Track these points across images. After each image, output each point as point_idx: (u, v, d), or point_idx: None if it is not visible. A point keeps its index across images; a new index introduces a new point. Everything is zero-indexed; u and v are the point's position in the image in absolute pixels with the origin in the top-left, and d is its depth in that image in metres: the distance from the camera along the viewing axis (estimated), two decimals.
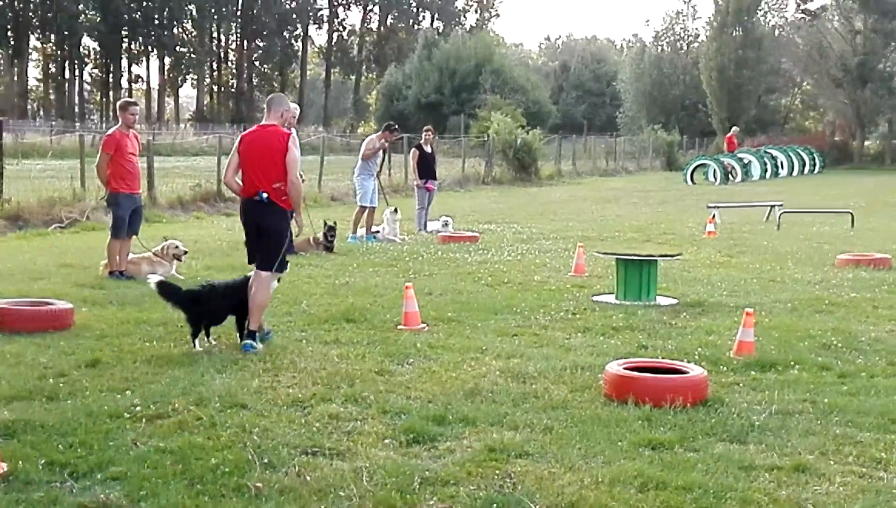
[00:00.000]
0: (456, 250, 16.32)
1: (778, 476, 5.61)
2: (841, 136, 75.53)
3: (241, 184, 8.78)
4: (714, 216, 21.51)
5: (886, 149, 71.79)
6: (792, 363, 8.21)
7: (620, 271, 11.52)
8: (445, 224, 19.63)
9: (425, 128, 20.88)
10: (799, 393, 7.34)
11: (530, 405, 6.96)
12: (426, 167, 20.06)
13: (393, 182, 32.57)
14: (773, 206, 23.52)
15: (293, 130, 9.74)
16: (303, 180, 14.92)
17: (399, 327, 9.62)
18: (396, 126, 19.32)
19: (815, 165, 53.93)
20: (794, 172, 50.37)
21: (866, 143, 75.39)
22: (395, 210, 18.52)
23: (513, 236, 19.12)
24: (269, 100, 9.06)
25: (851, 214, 22.02)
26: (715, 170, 44.16)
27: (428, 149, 20.28)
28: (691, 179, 43.53)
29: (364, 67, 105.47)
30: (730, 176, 44.25)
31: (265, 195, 8.63)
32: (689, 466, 5.71)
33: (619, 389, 7.05)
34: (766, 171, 47.35)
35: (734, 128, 50.40)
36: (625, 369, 7.23)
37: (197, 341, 8.53)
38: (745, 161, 46.79)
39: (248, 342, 8.59)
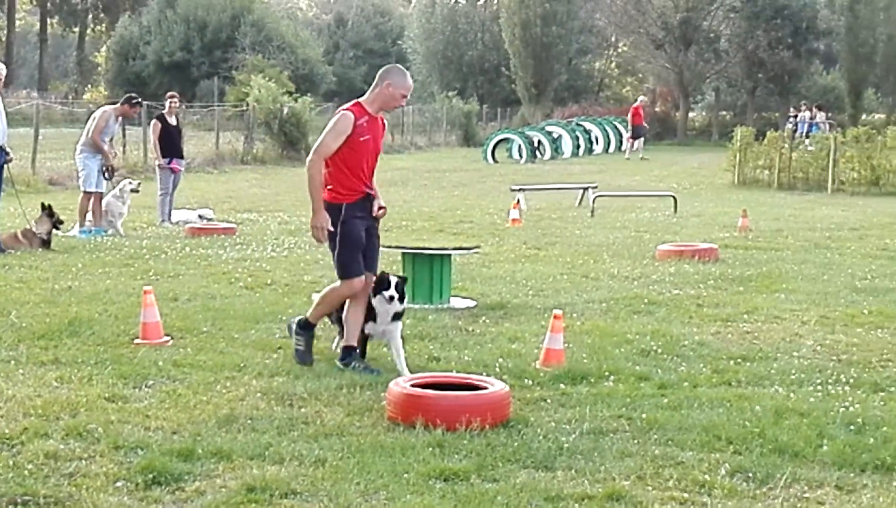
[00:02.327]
0: (208, 244, 16.15)
1: (589, 506, 5.83)
2: (663, 106, 78.78)
3: None
4: (518, 201, 22.06)
5: (713, 122, 75.46)
6: (606, 373, 8.54)
7: (408, 267, 11.67)
8: (207, 219, 19.40)
9: (168, 94, 20.51)
10: (614, 409, 7.64)
11: (299, 433, 6.97)
12: (170, 143, 19.72)
13: (129, 161, 31.85)
14: (586, 188, 24.36)
15: None
16: (9, 159, 14.36)
17: (136, 341, 9.45)
18: (139, 99, 18.96)
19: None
20: (611, 148, 52.20)
21: (691, 114, 78.98)
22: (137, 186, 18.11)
23: (278, 227, 19.07)
24: None
25: (674, 197, 23.02)
26: (520, 146, 45.30)
27: (172, 120, 19.94)
28: (492, 156, 44.48)
29: (90, 17, 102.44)
30: (537, 153, 45.48)
31: None
32: (488, 499, 5.85)
33: (405, 410, 7.14)
34: (578, 147, 48.93)
35: (641, 98, 51.01)
36: (412, 386, 7.33)
37: None
38: (555, 135, 48.20)
39: None
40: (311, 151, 8.73)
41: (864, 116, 68.89)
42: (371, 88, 8.80)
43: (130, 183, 18.37)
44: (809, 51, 72.44)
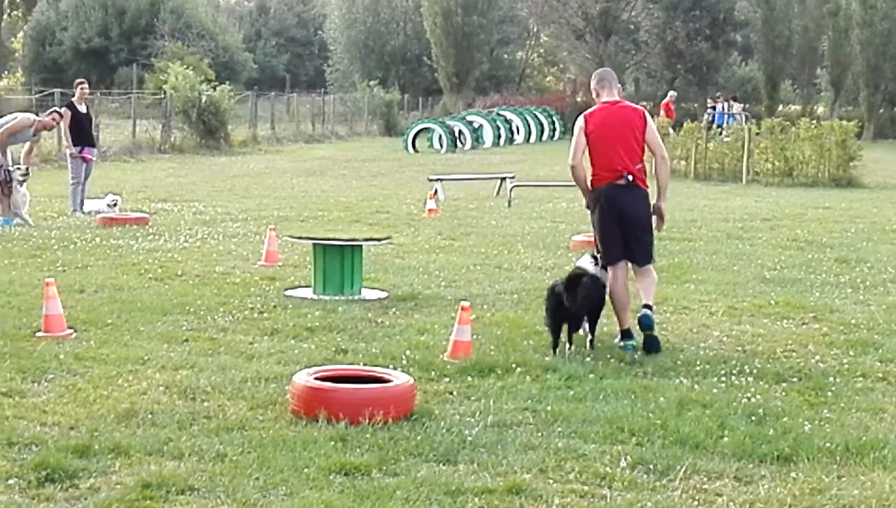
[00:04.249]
0: (119, 235, 15.93)
1: (489, 500, 5.81)
2: (584, 96, 79.18)
3: None
4: (436, 191, 22.03)
5: None
6: (514, 365, 8.53)
7: (319, 259, 11.59)
8: (114, 204, 19.12)
9: (77, 82, 20.20)
10: (519, 401, 7.63)
11: (200, 428, 6.88)
12: (81, 132, 19.42)
13: (43, 150, 31.33)
14: (503, 179, 24.37)
15: None
16: None
17: (38, 334, 9.27)
18: (60, 111, 18.91)
19: (554, 129, 56.31)
20: (532, 138, 52.37)
21: None
22: (25, 171, 17.65)
23: (193, 217, 18.86)
24: None
25: None
26: (440, 135, 45.27)
27: (83, 108, 19.64)
28: (413, 146, 44.41)
29: (6, 2, 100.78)
30: (458, 142, 45.49)
31: None
32: (387, 494, 5.81)
33: (308, 404, 7.08)
34: (499, 137, 49.01)
35: (671, 93, 49.70)
36: (315, 379, 7.26)
37: None
38: (476, 125, 48.24)
39: None
40: None
41: (780, 108, 69.76)
42: None
43: (19, 169, 17.74)
44: (727, 42, 73.31)
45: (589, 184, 9.61)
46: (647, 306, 9.33)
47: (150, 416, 7.09)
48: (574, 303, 8.89)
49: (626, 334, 9.41)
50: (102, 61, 70.98)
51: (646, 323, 9.24)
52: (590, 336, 9.27)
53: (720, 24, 71.35)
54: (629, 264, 9.64)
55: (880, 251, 15.72)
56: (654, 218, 9.70)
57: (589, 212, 9.83)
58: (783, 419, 7.22)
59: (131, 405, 7.29)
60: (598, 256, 9.51)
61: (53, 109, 18.96)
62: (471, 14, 69.10)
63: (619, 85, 9.86)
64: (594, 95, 9.78)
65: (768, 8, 67.82)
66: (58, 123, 18.82)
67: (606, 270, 9.44)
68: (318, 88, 72.13)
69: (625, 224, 9.46)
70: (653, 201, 9.70)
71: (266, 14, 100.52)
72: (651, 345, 9.18)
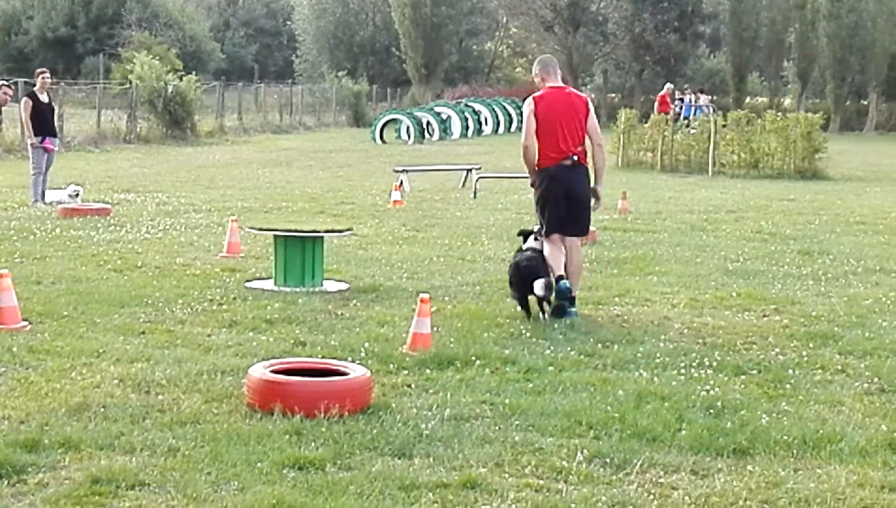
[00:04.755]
0: (81, 226, 15.77)
1: (443, 494, 5.74)
2: None
3: None
4: (402, 183, 21.95)
5: (602, 104, 75.91)
6: (473, 357, 8.47)
7: (279, 250, 11.51)
8: (75, 194, 18.94)
9: (39, 71, 19.99)
10: (478, 394, 7.57)
11: (153, 422, 6.80)
12: (43, 121, 19.21)
13: (6, 140, 31.12)
14: (469, 170, 24.31)
15: None
16: None
17: None
18: (9, 85, 18.48)
19: (523, 121, 56.23)
20: (500, 129, 52.30)
21: None
22: None
23: (156, 207, 18.71)
24: None
25: None
26: (408, 126, 45.15)
27: (44, 98, 19.43)
28: (381, 137, 44.29)
29: None
30: (426, 133, 45.39)
31: None
32: (340, 489, 5.74)
33: (263, 397, 7.00)
34: (467, 128, 48.92)
35: (667, 85, 49.42)
36: (271, 372, 7.18)
37: None
38: (444, 116, 48.14)
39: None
40: None
41: (748, 100, 69.97)
42: None
43: None
44: (695, 34, 73.47)
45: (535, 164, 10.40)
46: (561, 277, 10.11)
47: (102, 410, 6.99)
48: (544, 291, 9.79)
49: (559, 279, 10.08)
50: (69, 51, 70.47)
51: (565, 293, 10.04)
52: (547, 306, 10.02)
53: (688, 16, 71.45)
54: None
55: (843, 243, 15.75)
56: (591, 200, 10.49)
57: (533, 189, 10.59)
58: (741, 412, 7.19)
59: (84, 399, 7.19)
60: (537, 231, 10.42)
61: (2, 82, 18.49)
62: (439, 5, 69.03)
63: (562, 71, 10.34)
64: (538, 81, 10.57)
65: (736, 0, 67.99)
66: (9, 98, 18.40)
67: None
68: (286, 79, 71.84)
69: (569, 202, 10.26)
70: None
71: (235, 4, 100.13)
72: (560, 311, 9.99)
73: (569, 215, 10.29)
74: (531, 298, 9.93)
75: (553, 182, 10.27)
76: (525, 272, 9.89)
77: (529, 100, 10.43)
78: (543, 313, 9.90)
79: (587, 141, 10.41)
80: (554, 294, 9.96)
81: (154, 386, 7.57)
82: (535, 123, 10.25)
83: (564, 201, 10.24)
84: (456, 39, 74.48)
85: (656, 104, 44.69)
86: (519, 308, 10.04)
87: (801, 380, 8.14)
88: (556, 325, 9.71)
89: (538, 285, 9.75)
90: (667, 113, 41.44)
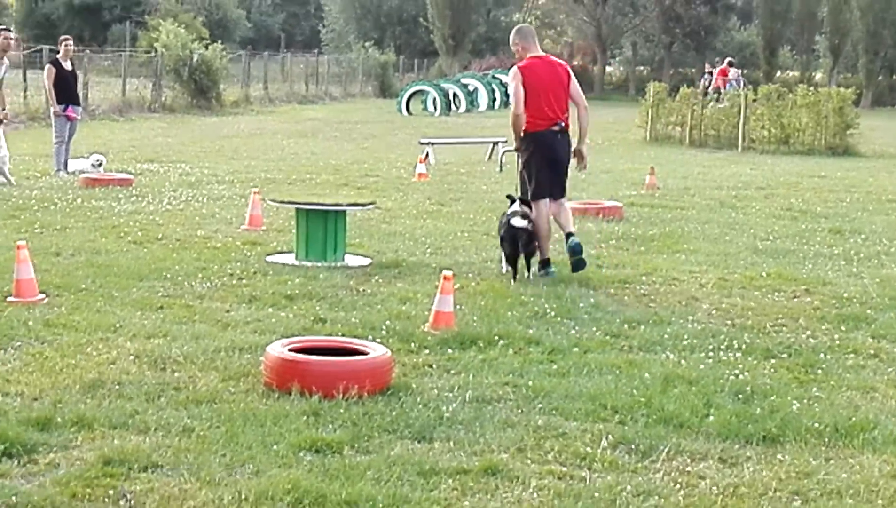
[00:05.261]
0: (102, 196, 15.68)
1: (463, 481, 5.60)
2: (581, 59, 78.80)
3: None
4: (427, 155, 21.79)
5: (630, 77, 75.63)
6: (496, 337, 8.32)
7: (301, 223, 11.37)
8: (98, 164, 18.85)
9: (62, 38, 19.88)
10: (501, 375, 7.42)
11: (168, 400, 6.68)
12: (66, 89, 19.13)
13: (31, 107, 31.06)
14: (496, 143, 24.09)
15: None
16: None
17: (9, 299, 9.04)
18: (8, 28, 18.12)
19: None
20: None
21: (608, 69, 79.07)
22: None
23: (178, 178, 18.61)
24: None
25: None
26: (435, 98, 44.94)
27: (67, 66, 19.34)
28: (407, 108, 44.10)
29: None
30: (452, 105, 45.16)
31: None
32: (358, 474, 5.60)
33: (281, 376, 6.87)
34: (494, 100, 48.64)
35: (728, 59, 49.03)
36: (289, 350, 7.05)
37: None
38: (471, 88, 47.88)
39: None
40: None
41: (778, 74, 69.38)
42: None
43: None
44: (726, 6, 72.91)
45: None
46: (570, 234, 10.81)
47: (117, 387, 6.87)
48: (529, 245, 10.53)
49: (546, 263, 10.78)
50: (95, 18, 70.49)
51: (576, 249, 10.67)
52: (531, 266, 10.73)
53: None
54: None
55: (875, 222, 15.50)
56: (573, 160, 11.17)
57: (518, 153, 11.17)
58: (771, 398, 7.01)
59: (98, 376, 7.07)
60: (520, 196, 11.00)
61: (2, 28, 17.72)
62: None
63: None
64: (519, 50, 11.01)
65: None
66: (11, 43, 17.55)
67: (531, 207, 10.83)
68: (312, 49, 71.61)
69: (554, 166, 10.90)
70: (575, 146, 11.13)
71: None
72: (579, 265, 10.67)
73: (556, 178, 10.95)
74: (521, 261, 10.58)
75: (543, 147, 10.83)
76: (512, 229, 10.44)
77: (515, 70, 10.86)
78: (529, 268, 10.61)
79: (572, 105, 11.01)
80: (570, 252, 10.69)
81: (170, 363, 7.45)
82: (523, 92, 10.68)
83: (553, 165, 10.90)
84: (484, 10, 74.14)
85: (716, 78, 44.22)
86: (505, 268, 10.72)
87: (833, 365, 7.96)
88: (544, 282, 10.44)
89: (518, 221, 10.38)
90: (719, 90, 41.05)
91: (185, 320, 8.69)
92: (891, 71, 67.52)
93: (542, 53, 11.10)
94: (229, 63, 43.79)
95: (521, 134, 10.90)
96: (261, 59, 54.19)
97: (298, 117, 39.48)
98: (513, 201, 10.99)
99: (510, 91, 11.04)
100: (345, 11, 79.41)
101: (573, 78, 10.99)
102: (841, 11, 65.18)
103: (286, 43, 79.23)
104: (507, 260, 10.67)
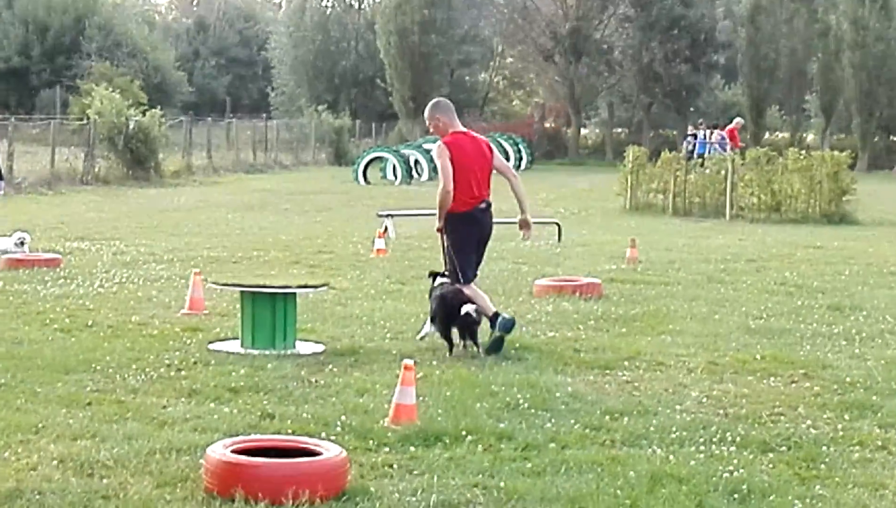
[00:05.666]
0: (26, 278, 15.54)
1: None
2: (554, 121, 79.38)
3: None
4: (386, 229, 21.74)
5: (607, 140, 76.11)
6: (464, 432, 8.20)
7: (247, 307, 11.25)
8: (21, 243, 18.67)
9: None
10: (469, 476, 7.30)
11: None
12: None
13: None
14: None
15: None
16: None
17: None
18: None
19: (521, 158, 56.13)
20: None
21: (583, 131, 79.65)
22: None
23: (112, 257, 18.48)
24: None
25: (559, 224, 22.89)
26: (394, 165, 45.06)
27: None
28: (364, 176, 44.18)
29: None
30: (414, 173, 45.29)
31: None
32: None
33: (223, 481, 6.73)
34: None
35: (737, 120, 48.88)
36: (233, 451, 6.91)
37: None
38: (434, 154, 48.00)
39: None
40: None
41: (766, 135, 70.05)
42: None
43: None
44: (709, 64, 73.51)
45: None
46: (497, 314, 11.23)
47: (37, 497, 6.69)
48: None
49: (495, 316, 11.18)
50: (23, 83, 70.63)
51: (508, 325, 11.16)
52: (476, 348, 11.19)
53: (701, 45, 71.49)
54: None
55: (877, 297, 15.51)
56: (521, 231, 12.12)
57: (442, 234, 11.52)
58: (770, 497, 6.92)
59: (17, 484, 6.89)
60: (448, 275, 11.49)
61: None
62: (429, 33, 69.17)
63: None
64: (437, 124, 11.45)
65: (753, 28, 68.08)
66: None
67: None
68: (260, 113, 71.82)
69: (480, 247, 11.62)
70: (519, 217, 11.93)
71: (205, 31, 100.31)
72: (497, 346, 11.14)
73: (479, 258, 11.69)
74: (454, 332, 11.13)
75: (473, 226, 11.41)
76: (453, 303, 10.98)
77: (442, 145, 11.28)
78: (477, 346, 11.07)
79: (504, 177, 11.74)
80: (499, 330, 11.10)
81: (99, 468, 7.28)
82: (451, 169, 11.09)
83: (480, 244, 11.58)
84: (447, 70, 74.61)
85: (727, 138, 44.40)
86: (426, 331, 11.47)
87: (837, 459, 7.87)
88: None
89: (470, 307, 10.91)
90: (741, 149, 40.97)
91: (117, 418, 8.53)
92: (887, 131, 68.17)
93: (463, 129, 11.62)
94: (169, 130, 43.87)
95: (446, 214, 11.31)
96: (204, 124, 54.22)
97: (245, 188, 39.48)
98: (435, 277, 11.57)
99: (438, 167, 11.35)
100: (295, 73, 79.69)
101: (496, 152, 11.64)
102: (832, 69, 65.94)
103: (232, 107, 79.53)
104: (441, 336, 11.21)
